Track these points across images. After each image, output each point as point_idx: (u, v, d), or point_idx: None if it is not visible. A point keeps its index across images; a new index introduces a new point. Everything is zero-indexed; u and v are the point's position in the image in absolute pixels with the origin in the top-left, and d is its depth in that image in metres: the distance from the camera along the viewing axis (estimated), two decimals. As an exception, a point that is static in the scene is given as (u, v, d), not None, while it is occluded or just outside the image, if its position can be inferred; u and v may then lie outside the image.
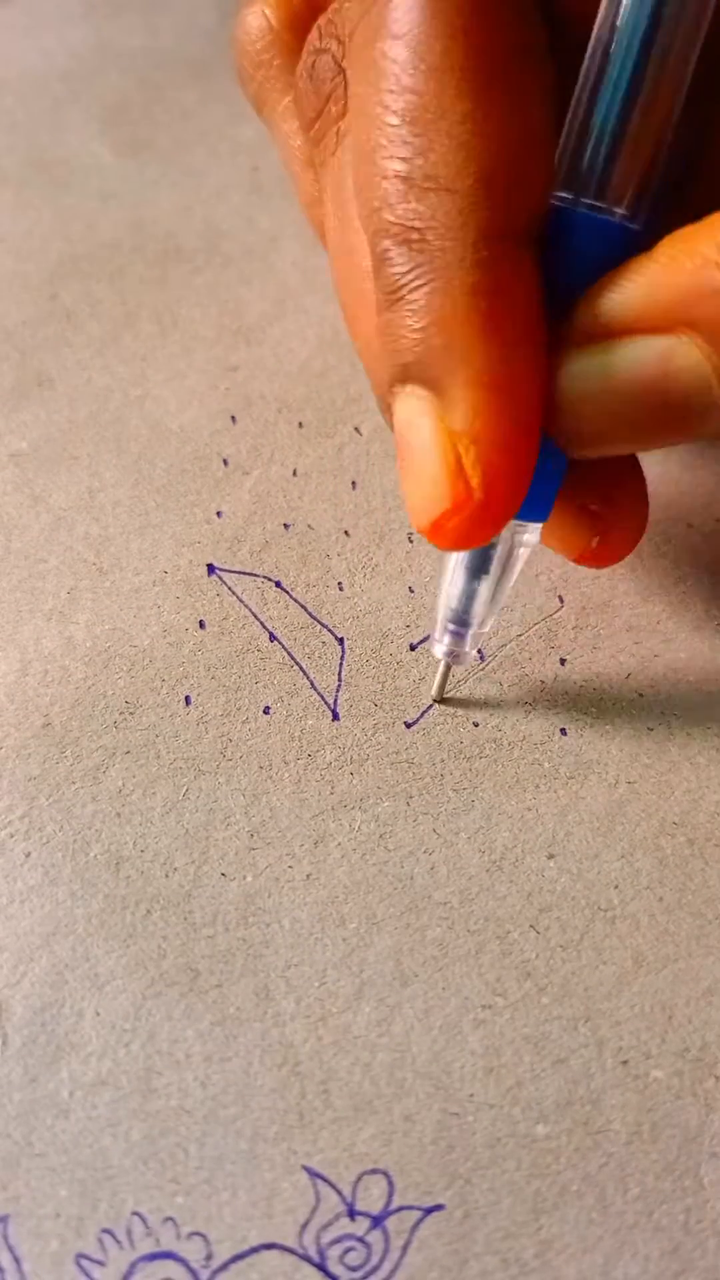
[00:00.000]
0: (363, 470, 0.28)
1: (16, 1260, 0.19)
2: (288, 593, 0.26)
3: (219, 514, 0.28)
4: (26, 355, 0.31)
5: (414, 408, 0.20)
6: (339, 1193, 0.20)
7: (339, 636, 0.26)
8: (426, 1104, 0.21)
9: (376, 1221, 0.20)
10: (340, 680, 0.25)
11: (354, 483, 0.28)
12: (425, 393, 0.19)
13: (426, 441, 0.19)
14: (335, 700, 0.25)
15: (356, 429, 0.29)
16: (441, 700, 0.25)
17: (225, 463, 0.28)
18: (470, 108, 0.19)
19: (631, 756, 0.24)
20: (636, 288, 0.19)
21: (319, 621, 0.26)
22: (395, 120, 0.19)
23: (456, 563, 0.23)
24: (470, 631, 0.23)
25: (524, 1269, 0.19)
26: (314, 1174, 0.20)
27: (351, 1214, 0.20)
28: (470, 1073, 0.21)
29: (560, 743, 0.24)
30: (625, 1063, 0.21)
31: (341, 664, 0.25)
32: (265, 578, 0.26)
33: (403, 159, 0.19)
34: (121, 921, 0.22)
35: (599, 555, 0.23)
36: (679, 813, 0.23)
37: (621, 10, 0.19)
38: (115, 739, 0.24)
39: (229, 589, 0.26)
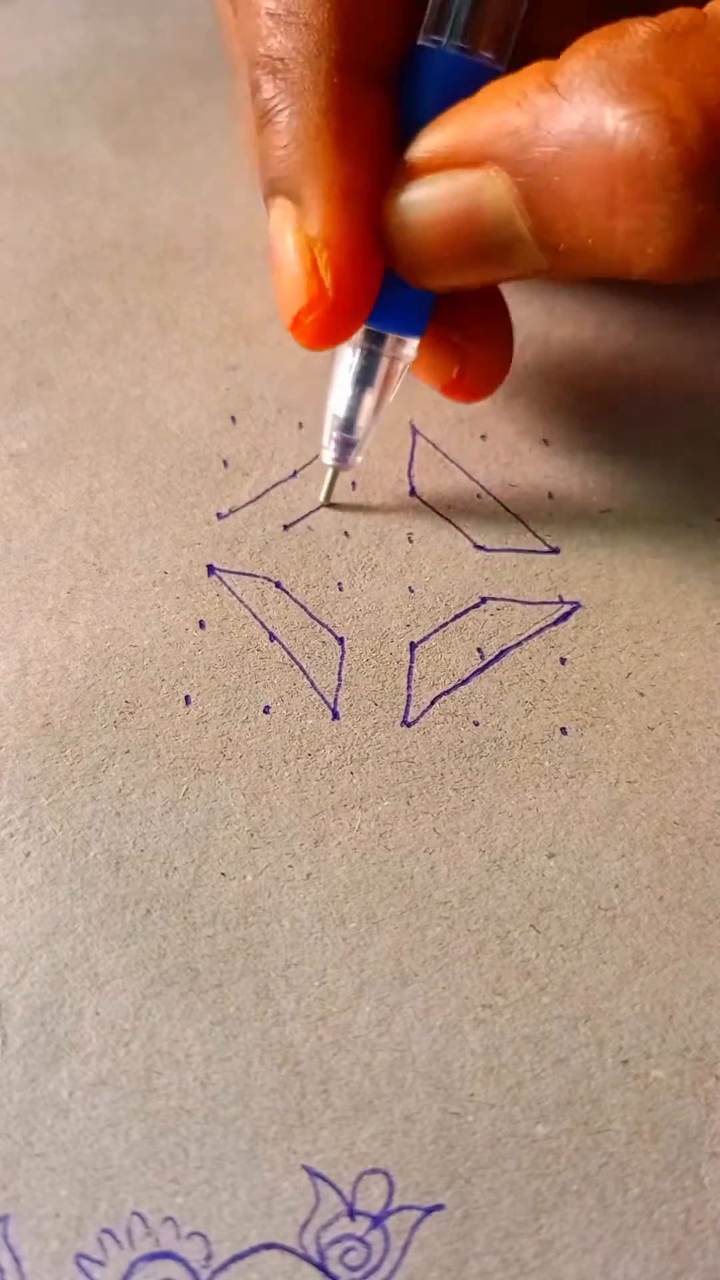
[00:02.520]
0: (363, 470, 0.28)
1: (16, 1260, 0.19)
2: (287, 593, 0.26)
3: (219, 514, 0.27)
4: (26, 355, 0.31)
5: (280, 217, 0.23)
6: (339, 1193, 0.20)
7: (339, 636, 0.26)
8: (426, 1104, 0.21)
9: (376, 1221, 0.20)
10: (340, 680, 0.25)
11: (354, 483, 0.28)
12: (288, 204, 0.22)
13: (288, 246, 0.22)
14: (335, 700, 0.25)
15: (356, 428, 0.29)
16: (329, 505, 0.27)
17: (225, 463, 0.28)
18: None
19: (632, 756, 0.24)
20: (454, 125, 0.22)
21: (319, 621, 0.26)
22: None
23: (344, 376, 0.25)
24: (356, 439, 0.26)
25: (524, 1269, 0.19)
26: (314, 1174, 0.20)
27: (351, 1214, 0.20)
28: (470, 1073, 0.21)
29: (560, 742, 0.24)
30: (625, 1062, 0.21)
31: (341, 663, 0.25)
32: (265, 578, 0.26)
33: None
34: (121, 921, 0.22)
35: (460, 386, 0.26)
36: (679, 812, 0.23)
37: None
38: (115, 739, 0.24)
39: (229, 589, 0.26)
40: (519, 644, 0.26)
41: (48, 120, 0.37)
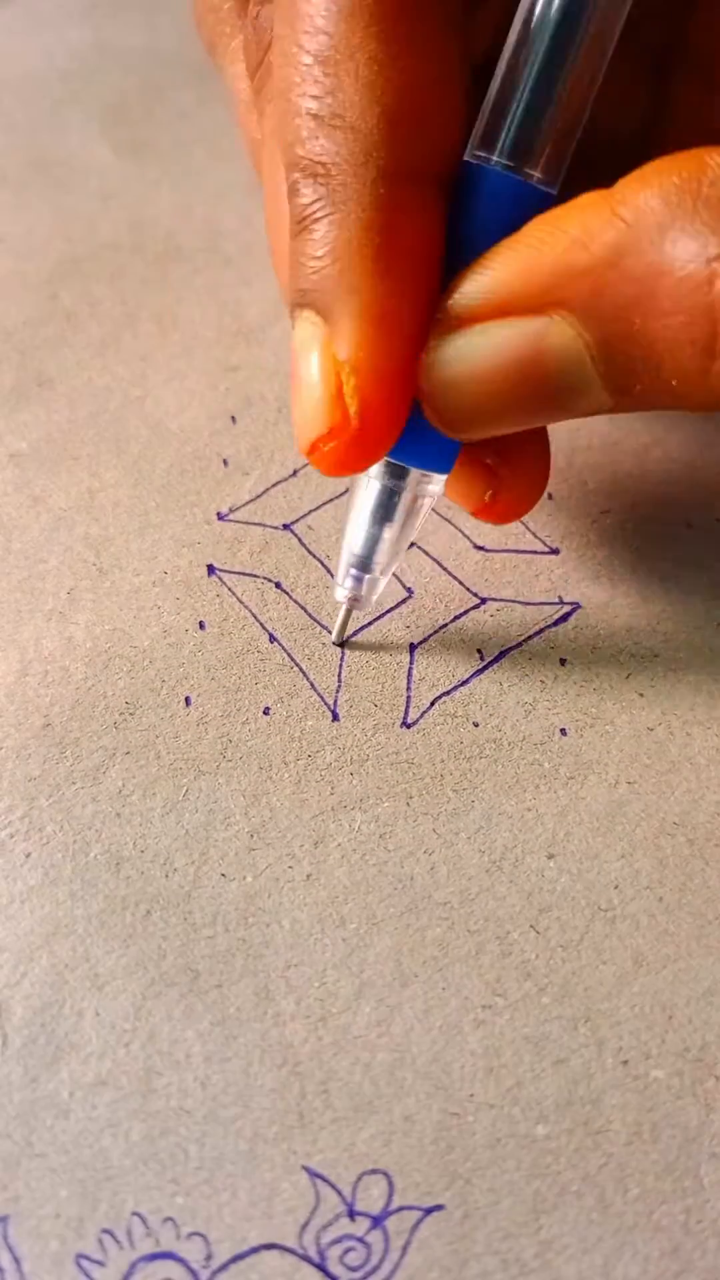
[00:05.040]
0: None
1: (16, 1260, 0.19)
2: (287, 593, 0.26)
3: (219, 514, 0.28)
4: (26, 355, 0.31)
5: (307, 332, 0.20)
6: (339, 1193, 0.20)
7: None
8: (426, 1104, 0.21)
9: (376, 1221, 0.20)
10: (340, 681, 0.25)
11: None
12: (318, 319, 0.20)
13: (313, 366, 0.20)
14: (335, 701, 0.25)
15: (356, 429, 0.29)
16: (342, 644, 0.25)
17: (225, 463, 0.28)
18: (377, 49, 0.20)
19: (631, 757, 0.24)
20: (506, 270, 0.20)
21: (319, 622, 0.26)
22: (309, 60, 0.20)
23: (361, 508, 0.23)
24: (368, 577, 0.24)
25: (524, 1269, 0.19)
26: (314, 1174, 0.20)
27: (351, 1214, 0.20)
28: (470, 1073, 0.21)
29: (560, 743, 0.24)
30: (625, 1063, 0.21)
31: (341, 665, 0.25)
32: (265, 578, 0.26)
33: (314, 97, 0.20)
34: (121, 921, 0.22)
35: (494, 510, 0.24)
36: (679, 813, 0.23)
37: None
38: (115, 739, 0.24)
39: (229, 590, 0.26)
40: (519, 645, 0.26)
41: (48, 121, 0.37)
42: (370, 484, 0.23)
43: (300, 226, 0.20)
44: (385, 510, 0.23)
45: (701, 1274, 0.19)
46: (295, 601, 0.26)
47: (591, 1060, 0.21)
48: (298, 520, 0.27)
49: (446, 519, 0.27)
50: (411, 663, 0.25)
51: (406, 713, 0.25)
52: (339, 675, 0.25)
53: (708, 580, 0.27)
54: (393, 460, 0.22)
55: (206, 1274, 0.19)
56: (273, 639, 0.26)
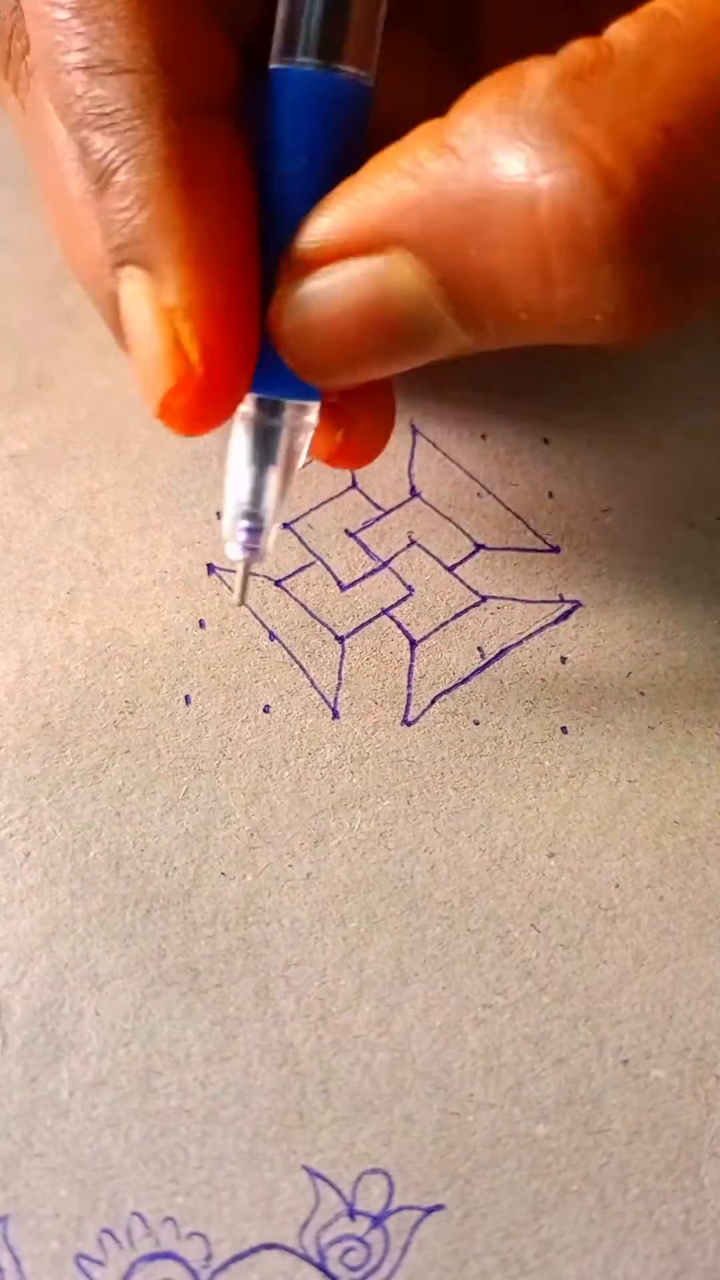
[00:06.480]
0: (363, 470, 0.28)
1: (16, 1260, 0.19)
2: (287, 592, 0.26)
3: (219, 514, 0.27)
4: (27, 356, 0.31)
5: (133, 290, 0.19)
6: (339, 1193, 0.20)
7: (339, 635, 0.26)
8: (426, 1104, 0.21)
9: (376, 1221, 0.20)
10: (340, 679, 0.25)
11: (355, 482, 0.28)
12: (141, 272, 0.19)
13: (146, 321, 0.19)
14: (335, 699, 0.25)
15: (357, 428, 0.29)
16: (243, 603, 0.24)
17: (225, 462, 0.28)
18: None
19: (632, 755, 0.24)
20: (344, 208, 0.19)
21: (319, 620, 0.26)
22: (64, 14, 0.19)
23: (242, 455, 0.22)
24: (265, 525, 0.22)
25: (524, 1269, 0.19)
26: (314, 1174, 0.20)
27: (351, 1214, 0.20)
28: (470, 1072, 0.21)
29: (561, 741, 0.24)
30: (626, 1062, 0.21)
31: (341, 662, 0.25)
32: (265, 577, 0.26)
33: (79, 50, 0.19)
34: (121, 921, 0.22)
35: (346, 453, 0.23)
36: (680, 811, 0.23)
37: None
38: (115, 738, 0.24)
39: (229, 588, 0.26)
40: (519, 643, 0.26)
41: (48, 121, 0.37)
42: (244, 427, 0.22)
43: (101, 183, 0.19)
44: (266, 450, 0.22)
45: (701, 1274, 0.19)
46: (295, 599, 0.26)
47: (592, 1060, 0.21)
48: (298, 520, 0.27)
49: (446, 517, 0.27)
50: (412, 660, 0.25)
51: (407, 710, 0.25)
52: (339, 673, 0.25)
53: (709, 579, 0.27)
54: (264, 397, 0.21)
55: (206, 1274, 0.19)
56: (273, 637, 0.26)
